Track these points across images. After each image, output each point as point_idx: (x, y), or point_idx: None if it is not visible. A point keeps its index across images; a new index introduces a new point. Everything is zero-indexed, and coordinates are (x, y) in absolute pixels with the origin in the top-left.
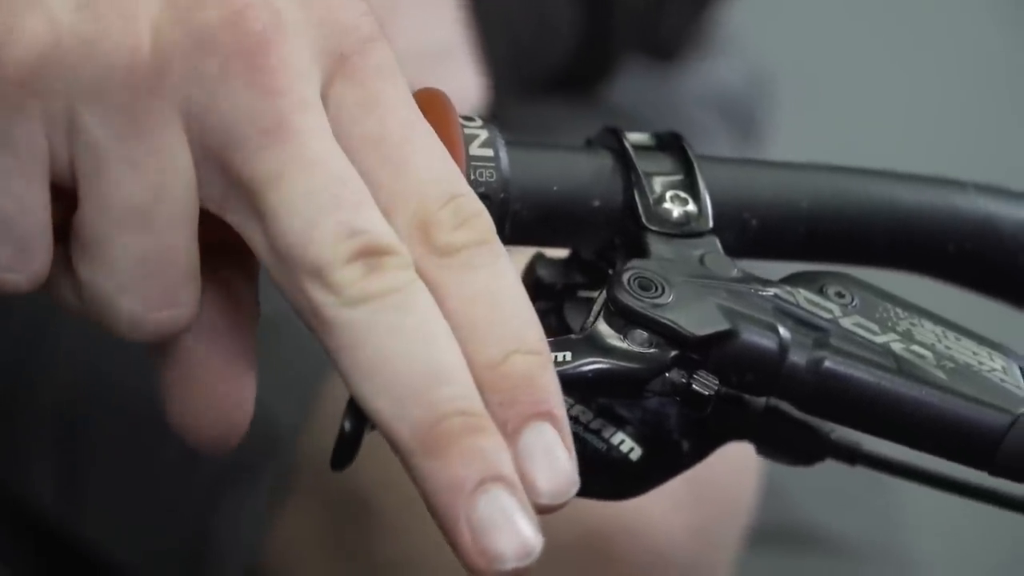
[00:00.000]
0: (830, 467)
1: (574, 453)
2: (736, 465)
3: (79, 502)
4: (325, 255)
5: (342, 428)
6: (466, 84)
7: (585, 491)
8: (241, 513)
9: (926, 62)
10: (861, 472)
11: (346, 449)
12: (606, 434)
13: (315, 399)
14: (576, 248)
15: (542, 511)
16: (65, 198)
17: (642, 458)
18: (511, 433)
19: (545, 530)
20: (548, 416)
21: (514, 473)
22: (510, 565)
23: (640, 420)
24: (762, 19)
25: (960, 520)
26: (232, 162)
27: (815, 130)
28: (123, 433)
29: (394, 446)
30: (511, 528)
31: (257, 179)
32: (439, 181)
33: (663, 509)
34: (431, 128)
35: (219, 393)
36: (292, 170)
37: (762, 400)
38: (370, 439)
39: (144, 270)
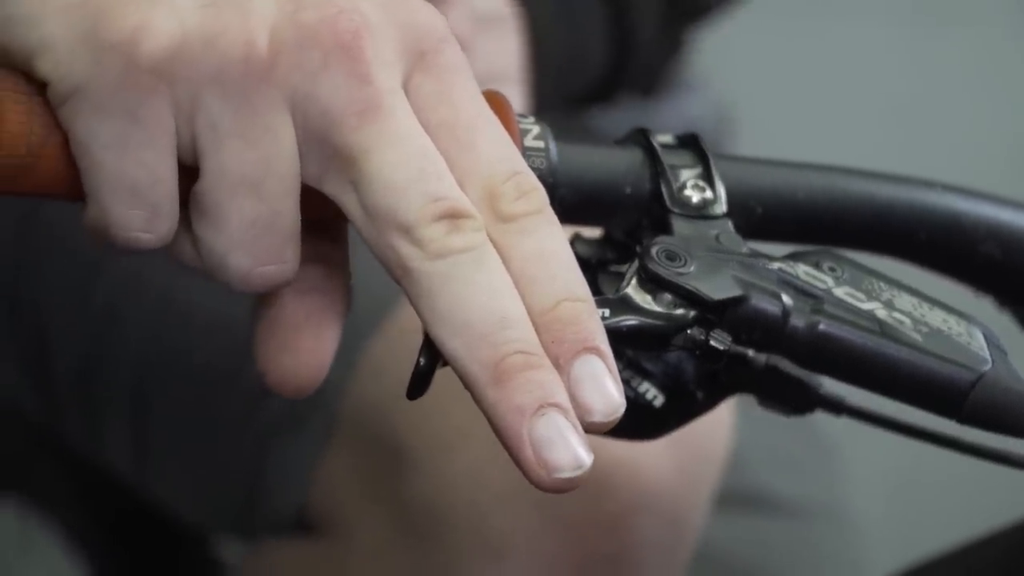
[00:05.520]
0: (782, 439)
1: (619, 379)
2: (712, 419)
3: (151, 462)
4: (412, 216)
5: (417, 363)
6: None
7: (614, 432)
8: (291, 458)
9: (856, 97)
10: (808, 443)
11: (420, 381)
12: (634, 384)
13: (356, 360)
14: (609, 228)
15: (594, 429)
16: (187, 173)
17: (664, 405)
18: (563, 366)
19: None
20: (594, 350)
21: (567, 401)
22: (566, 474)
23: (663, 373)
24: (725, 62)
25: (895, 483)
26: (331, 139)
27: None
28: (187, 398)
29: (464, 379)
30: (565, 444)
31: (354, 152)
32: (503, 160)
33: (654, 450)
34: (496, 117)
35: (304, 343)
36: (384, 144)
37: (763, 359)
38: (390, 398)
39: (253, 231)
